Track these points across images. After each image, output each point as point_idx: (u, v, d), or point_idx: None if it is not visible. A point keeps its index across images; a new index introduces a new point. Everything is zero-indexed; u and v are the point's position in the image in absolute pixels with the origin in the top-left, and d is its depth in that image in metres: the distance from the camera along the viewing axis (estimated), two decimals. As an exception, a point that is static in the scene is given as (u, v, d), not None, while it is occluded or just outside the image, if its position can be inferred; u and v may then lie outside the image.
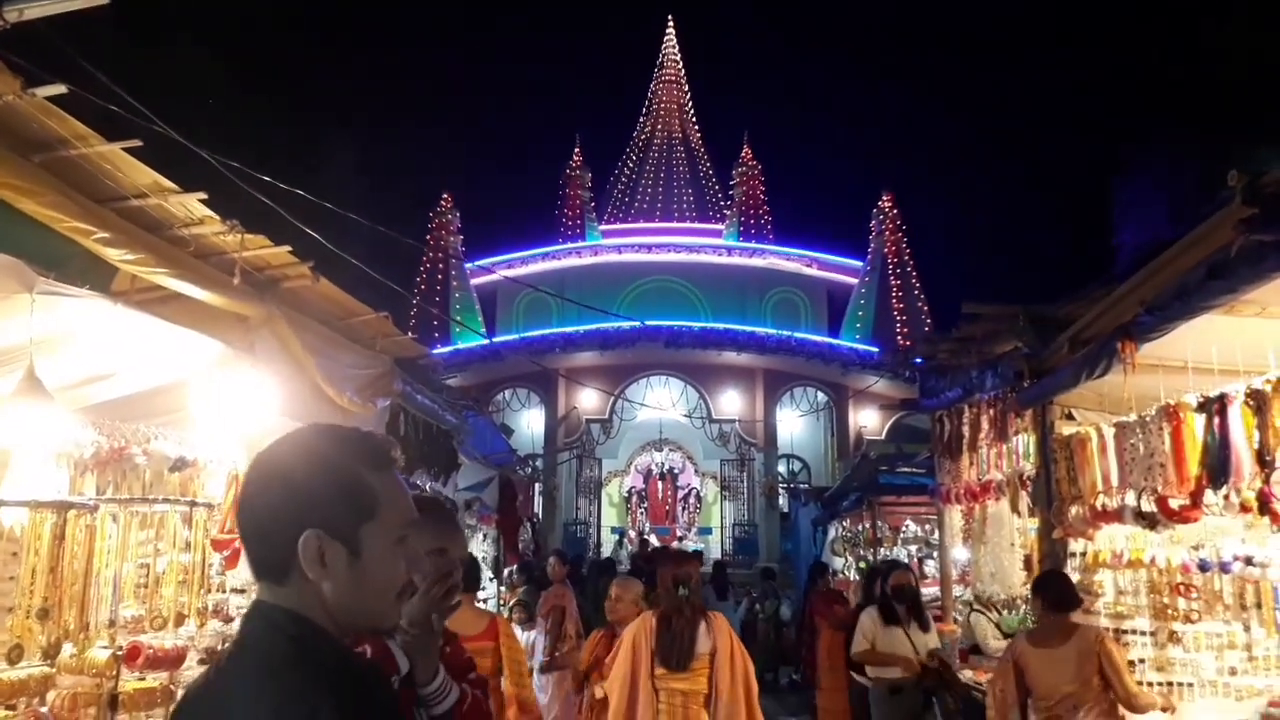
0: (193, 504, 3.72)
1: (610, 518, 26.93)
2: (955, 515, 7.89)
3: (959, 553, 8.06)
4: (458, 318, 26.72)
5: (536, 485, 23.37)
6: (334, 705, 1.14)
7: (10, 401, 3.12)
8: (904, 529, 11.38)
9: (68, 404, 3.71)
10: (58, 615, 3.12)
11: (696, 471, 27.13)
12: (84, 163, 3.03)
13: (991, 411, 6.68)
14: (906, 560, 10.16)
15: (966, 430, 7.13)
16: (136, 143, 3.06)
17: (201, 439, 4.12)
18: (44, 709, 3.10)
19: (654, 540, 24.14)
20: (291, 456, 1.32)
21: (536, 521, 18.15)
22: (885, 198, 29.14)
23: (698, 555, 11.86)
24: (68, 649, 3.27)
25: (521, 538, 13.02)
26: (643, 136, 35.26)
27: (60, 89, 2.77)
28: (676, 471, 27.05)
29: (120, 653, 3.33)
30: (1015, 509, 6.39)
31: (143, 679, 3.55)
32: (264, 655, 1.22)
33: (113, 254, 3.22)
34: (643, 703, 4.26)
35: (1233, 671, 4.30)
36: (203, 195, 3.47)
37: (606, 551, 23.40)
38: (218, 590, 4.18)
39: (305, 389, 4.96)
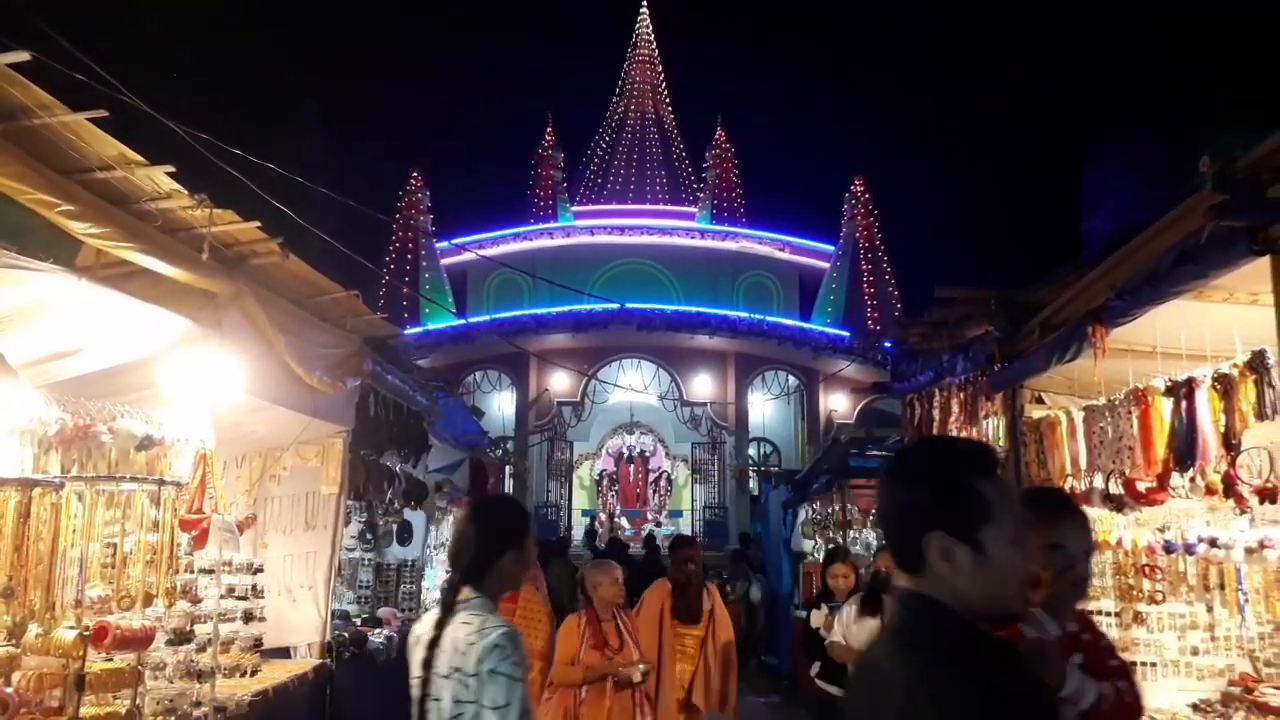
0: (161, 482, 3.66)
1: (581, 500, 26.94)
2: (925, 498, 7.94)
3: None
4: (428, 298, 26.52)
5: (508, 468, 23.33)
6: (984, 675, 1.37)
7: (-29, 377, 3.04)
8: (874, 512, 11.46)
9: (32, 380, 3.63)
10: (23, 595, 3.06)
11: (668, 454, 27.19)
12: (47, 133, 2.96)
13: (962, 395, 6.72)
14: (878, 544, 10.24)
15: (937, 414, 7.17)
16: (102, 113, 2.99)
17: (169, 417, 4.05)
18: (9, 690, 3.04)
19: (624, 524, 24.23)
20: (915, 465, 1.63)
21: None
22: (857, 182, 29.24)
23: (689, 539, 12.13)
24: (33, 629, 3.21)
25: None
26: (616, 117, 35.07)
27: (23, 55, 2.69)
28: (648, 454, 27.10)
29: (87, 633, 3.27)
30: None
31: (110, 659, 3.50)
32: (910, 635, 1.49)
33: (77, 227, 3.15)
34: (666, 645, 5.68)
35: (1195, 651, 4.37)
36: (170, 168, 3.40)
37: (578, 534, 23.40)
38: (186, 570, 4.13)
39: (274, 367, 4.90)
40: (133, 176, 3.32)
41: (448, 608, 2.52)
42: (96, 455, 3.55)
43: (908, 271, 29.81)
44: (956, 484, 1.51)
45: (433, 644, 2.49)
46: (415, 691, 2.54)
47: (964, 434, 6.84)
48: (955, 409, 6.83)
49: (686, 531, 25.00)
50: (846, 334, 25.88)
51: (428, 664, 2.48)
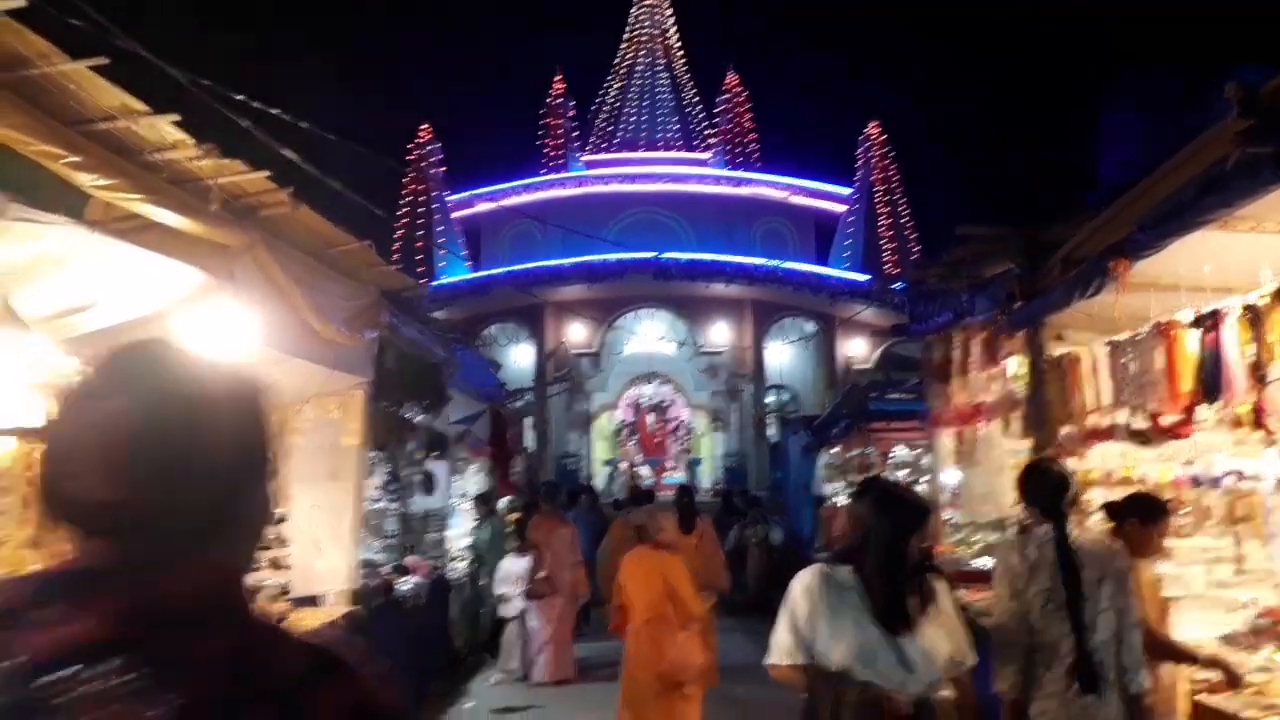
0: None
1: (601, 450, 27.09)
2: (946, 439, 7.93)
3: (948, 476, 8.11)
4: (441, 250, 26.46)
5: (527, 419, 23.47)
6: None
7: (-14, 332, 3.04)
8: (894, 454, 11.47)
9: (49, 335, 3.63)
10: (49, 545, 3.10)
11: (687, 404, 27.24)
12: (47, 83, 2.91)
13: (982, 334, 6.66)
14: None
15: (957, 354, 7.11)
16: (103, 60, 2.93)
17: (186, 371, 4.04)
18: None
19: (644, 473, 24.38)
20: None
21: (528, 453, 18.24)
22: (872, 125, 28.82)
23: (684, 487, 12.41)
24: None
25: (514, 469, 13.09)
26: (624, 63, 34.57)
27: (19, 2, 2.63)
28: (666, 404, 27.17)
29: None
30: (1006, 431, 6.41)
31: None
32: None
33: (84, 179, 3.11)
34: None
35: (1222, 584, 4.35)
36: (175, 117, 3.34)
37: (599, 483, 23.60)
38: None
39: (290, 320, 4.88)
40: (137, 126, 3.27)
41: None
42: (116, 409, 3.55)
43: (925, 213, 29.50)
44: None
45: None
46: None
47: (984, 373, 6.80)
48: (975, 348, 6.78)
49: (706, 478, 25.23)
50: (864, 278, 25.67)
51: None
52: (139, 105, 3.18)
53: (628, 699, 5.40)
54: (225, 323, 3.97)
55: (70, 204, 3.21)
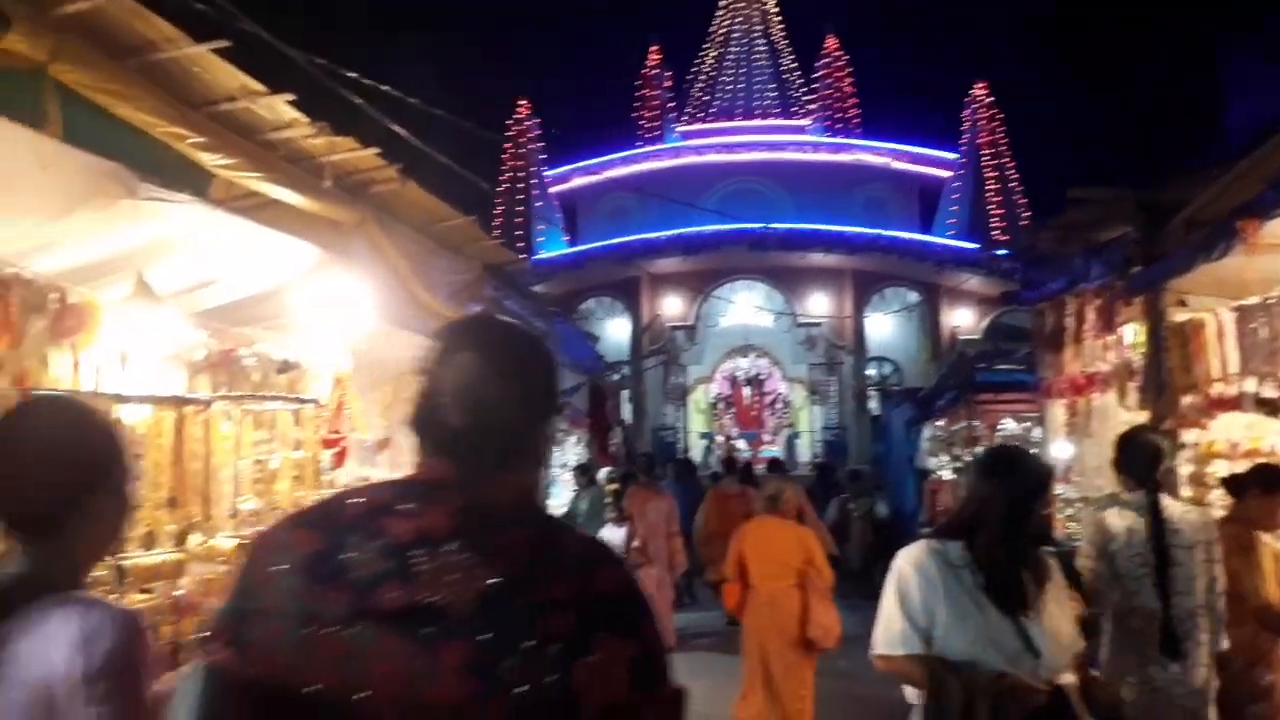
0: (300, 400, 3.86)
1: (697, 423, 27.11)
2: (1058, 410, 7.68)
3: (1060, 449, 7.86)
4: (539, 226, 26.78)
5: (624, 392, 23.67)
6: None
7: (125, 305, 3.24)
8: (1002, 427, 11.15)
9: (177, 309, 3.83)
10: (184, 506, 3.30)
11: (783, 376, 26.97)
12: (173, 66, 3.06)
13: (1098, 301, 6.42)
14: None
15: (1070, 321, 6.87)
16: (224, 43, 3.07)
17: (304, 343, 4.23)
18: (178, 593, 3.30)
19: (740, 446, 24.31)
20: None
21: (625, 425, 18.45)
22: (979, 86, 27.78)
23: (775, 461, 12.42)
24: (195, 539, 3.46)
25: (612, 441, 13.24)
26: (721, 31, 34.09)
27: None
28: (763, 377, 26.96)
29: (245, 541, 3.51)
30: (1123, 401, 6.17)
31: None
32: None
33: (208, 159, 3.27)
34: None
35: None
36: (291, 97, 3.47)
37: (696, 456, 23.65)
38: (328, 486, 4.35)
39: (398, 293, 5.03)
40: (255, 106, 3.42)
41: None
42: (241, 378, 3.75)
43: (1035, 177, 28.23)
44: None
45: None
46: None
47: (1099, 341, 6.55)
48: (1090, 316, 6.55)
49: (805, 452, 25.03)
50: (970, 245, 24.87)
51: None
52: (257, 86, 3.32)
53: (757, 667, 5.44)
54: (339, 297, 4.12)
55: (196, 183, 3.38)
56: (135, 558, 3.12)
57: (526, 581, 1.13)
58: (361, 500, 1.19)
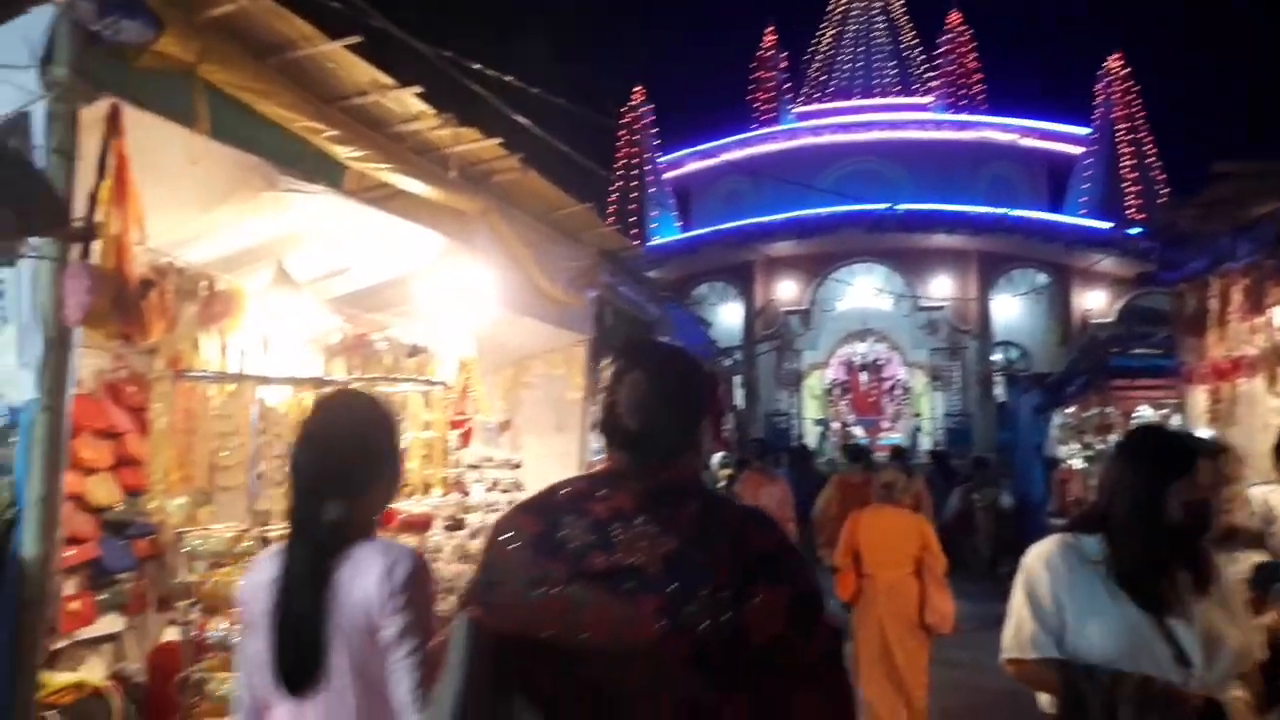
0: (429, 383, 4.01)
1: (812, 409, 26.72)
2: (1199, 397, 7.27)
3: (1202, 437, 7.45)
4: (654, 211, 26.87)
5: (736, 377, 23.53)
6: None
7: (267, 292, 3.43)
8: (1137, 414, 10.62)
9: (314, 295, 4.04)
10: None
11: (903, 362, 26.27)
12: (309, 63, 3.21)
13: (1245, 281, 6.07)
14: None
15: (1214, 303, 6.50)
16: (357, 39, 3.20)
17: (431, 328, 4.38)
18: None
19: (857, 433, 23.86)
20: None
21: (737, 411, 18.40)
22: (1113, 58, 26.32)
23: (897, 448, 12.04)
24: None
25: (725, 426, 13.23)
26: (838, 10, 33.35)
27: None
28: (881, 362, 26.33)
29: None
30: (1272, 387, 5.81)
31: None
32: None
33: (341, 151, 3.42)
34: None
35: None
36: (418, 90, 3.59)
37: (811, 442, 23.35)
38: (454, 465, 4.52)
39: (520, 280, 5.16)
40: (385, 100, 3.55)
41: None
42: (373, 362, 3.92)
43: (1173, 152, 26.59)
44: None
45: None
46: None
47: (1246, 324, 6.18)
48: (1237, 297, 6.19)
49: (926, 440, 24.38)
50: (1103, 225, 23.64)
51: None
52: (387, 80, 3.45)
53: (877, 655, 5.40)
54: (464, 284, 4.26)
55: (331, 175, 3.54)
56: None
57: (699, 544, 1.46)
58: (567, 490, 1.57)
